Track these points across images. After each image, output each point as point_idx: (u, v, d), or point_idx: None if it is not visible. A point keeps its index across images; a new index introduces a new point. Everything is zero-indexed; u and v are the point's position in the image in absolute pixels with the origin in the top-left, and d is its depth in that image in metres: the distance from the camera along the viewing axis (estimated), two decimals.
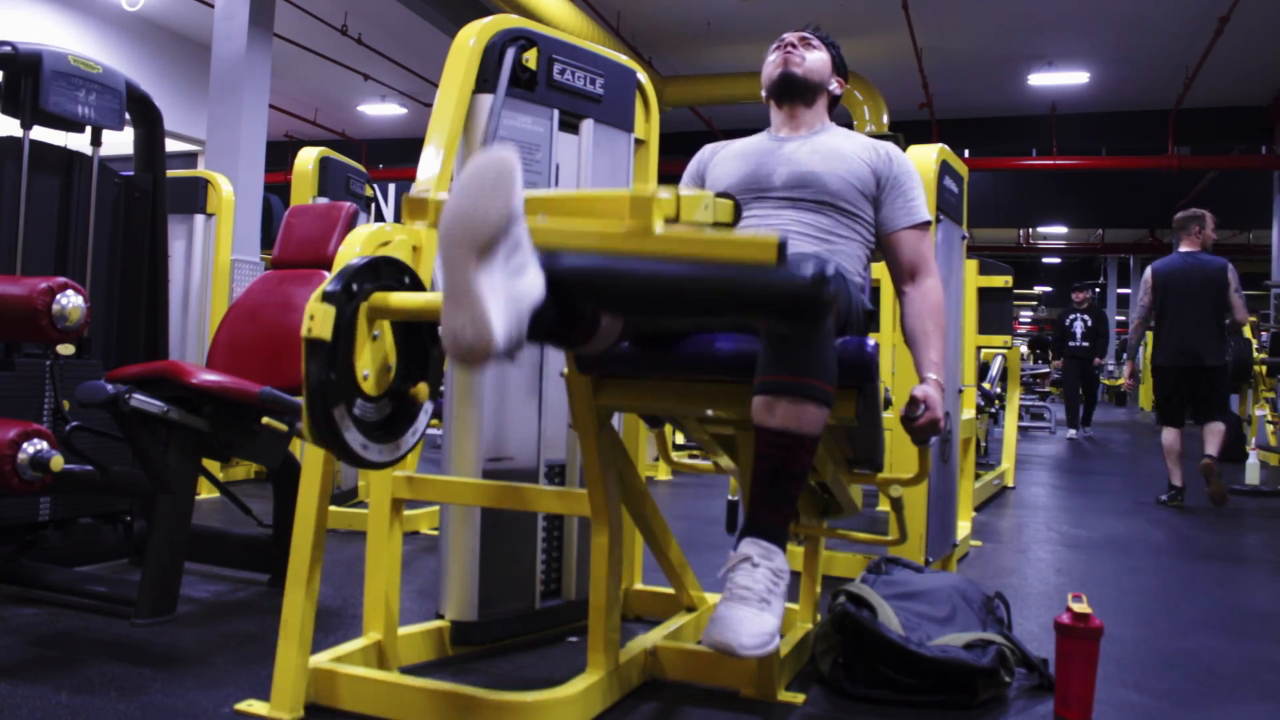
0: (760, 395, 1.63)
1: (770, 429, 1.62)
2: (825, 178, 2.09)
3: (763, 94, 2.26)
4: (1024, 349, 10.52)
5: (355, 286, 1.59)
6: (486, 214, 1.31)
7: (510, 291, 1.34)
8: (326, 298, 1.55)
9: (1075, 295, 10.30)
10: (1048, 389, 13.63)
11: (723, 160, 2.24)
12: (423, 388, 1.69)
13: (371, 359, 1.62)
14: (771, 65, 2.23)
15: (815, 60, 2.20)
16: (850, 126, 2.85)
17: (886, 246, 2.16)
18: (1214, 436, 5.20)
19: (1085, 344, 9.88)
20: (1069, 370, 10.02)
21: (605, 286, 1.55)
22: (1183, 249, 5.44)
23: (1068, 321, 10.03)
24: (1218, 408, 5.29)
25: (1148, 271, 5.51)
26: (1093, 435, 10.21)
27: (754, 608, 1.62)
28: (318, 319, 1.53)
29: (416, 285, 1.73)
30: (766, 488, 1.65)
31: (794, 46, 2.21)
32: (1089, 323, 9.94)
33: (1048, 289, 26.28)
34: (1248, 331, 9.52)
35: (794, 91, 2.19)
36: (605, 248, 1.44)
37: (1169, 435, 5.31)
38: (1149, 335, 6.51)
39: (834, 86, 2.25)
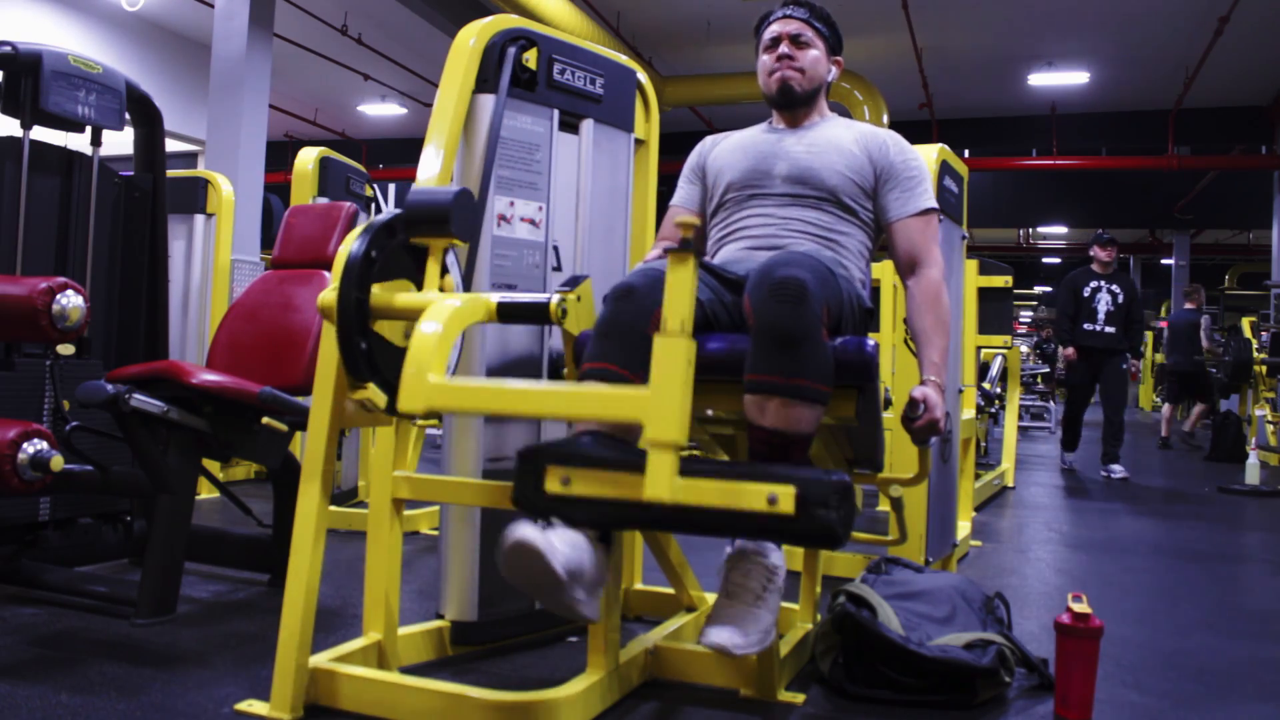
0: (751, 394, 1.64)
1: (762, 428, 1.62)
2: (823, 173, 2.09)
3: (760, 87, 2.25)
4: (1024, 349, 9.65)
5: (365, 344, 1.66)
6: (546, 588, 1.52)
7: (589, 584, 1.57)
8: (356, 386, 1.67)
9: (1100, 252, 6.41)
10: (1051, 389, 10.84)
11: (723, 153, 2.24)
12: (449, 281, 1.79)
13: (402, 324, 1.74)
14: (767, 73, 2.19)
15: (811, 62, 2.17)
16: None
17: (888, 237, 2.15)
18: (1194, 414, 9.57)
19: (1111, 329, 6.25)
20: (1081, 370, 6.36)
21: (632, 524, 1.83)
22: (1187, 306, 9.45)
23: (1087, 291, 6.33)
24: (1203, 393, 9.34)
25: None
26: (1127, 477, 6.23)
27: (749, 605, 1.62)
28: (376, 402, 1.67)
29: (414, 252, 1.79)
30: None
31: (788, 56, 2.16)
32: (1119, 297, 6.26)
33: (1048, 289, 26.26)
34: (1248, 331, 9.63)
35: (794, 103, 2.19)
36: (630, 503, 1.52)
37: (1167, 408, 9.60)
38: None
39: (832, 76, 2.22)
